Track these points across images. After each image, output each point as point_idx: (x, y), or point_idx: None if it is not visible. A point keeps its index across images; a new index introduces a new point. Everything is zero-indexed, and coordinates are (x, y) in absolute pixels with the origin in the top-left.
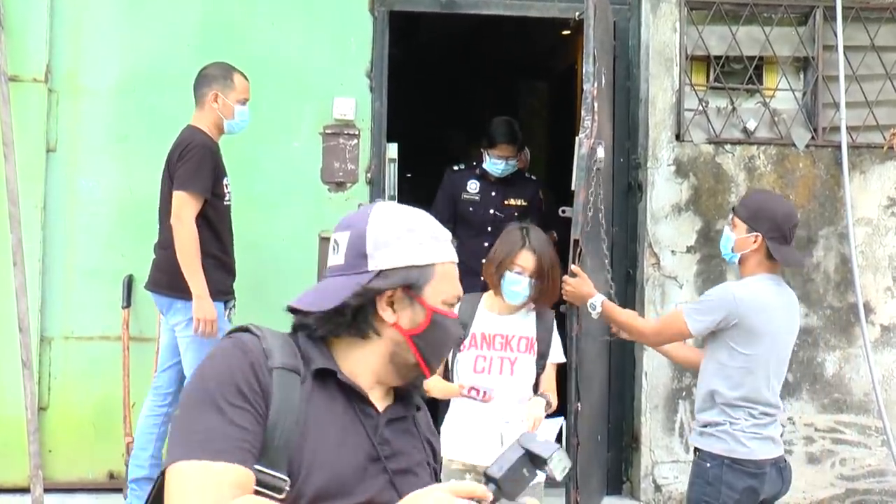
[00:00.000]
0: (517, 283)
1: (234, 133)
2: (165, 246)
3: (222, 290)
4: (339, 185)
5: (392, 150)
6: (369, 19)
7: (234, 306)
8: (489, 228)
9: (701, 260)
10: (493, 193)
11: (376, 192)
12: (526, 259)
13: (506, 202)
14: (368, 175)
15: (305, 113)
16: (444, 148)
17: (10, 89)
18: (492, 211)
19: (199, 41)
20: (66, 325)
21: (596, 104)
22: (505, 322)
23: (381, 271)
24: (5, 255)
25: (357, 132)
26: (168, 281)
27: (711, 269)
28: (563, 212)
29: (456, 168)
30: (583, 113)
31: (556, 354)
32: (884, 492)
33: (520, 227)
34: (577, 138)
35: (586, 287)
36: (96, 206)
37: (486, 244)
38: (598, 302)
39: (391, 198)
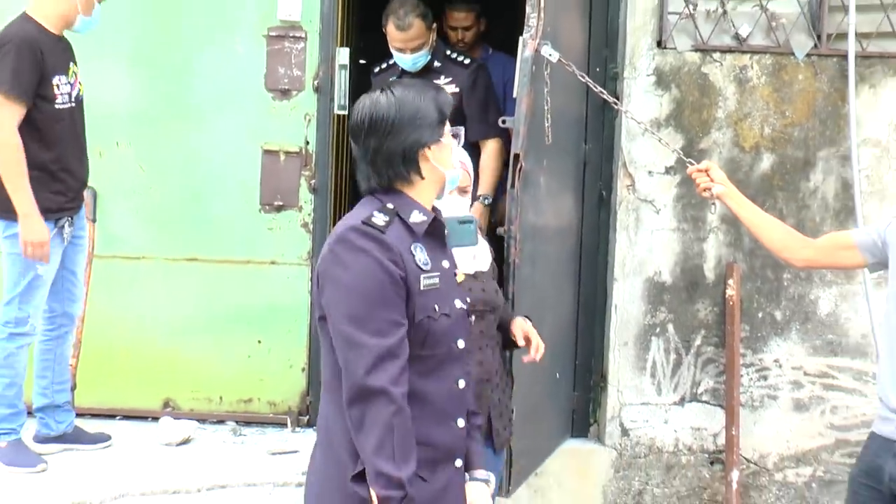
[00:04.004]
0: None
1: (80, 33)
2: None
3: (51, 209)
4: (284, 94)
5: (343, 55)
6: None
7: (68, 223)
8: None
9: (681, 182)
10: None
11: (324, 101)
12: None
13: None
14: (316, 83)
15: (247, 13)
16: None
17: None
18: None
19: None
20: None
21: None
22: None
23: None
24: None
25: (304, 35)
26: None
27: (692, 193)
28: (503, 122)
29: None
30: (528, 9)
31: None
32: None
33: None
34: (520, 38)
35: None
36: None
37: None
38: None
39: (341, 108)
